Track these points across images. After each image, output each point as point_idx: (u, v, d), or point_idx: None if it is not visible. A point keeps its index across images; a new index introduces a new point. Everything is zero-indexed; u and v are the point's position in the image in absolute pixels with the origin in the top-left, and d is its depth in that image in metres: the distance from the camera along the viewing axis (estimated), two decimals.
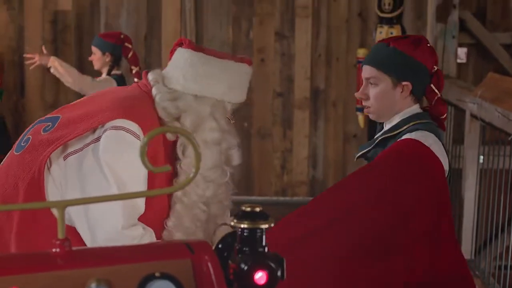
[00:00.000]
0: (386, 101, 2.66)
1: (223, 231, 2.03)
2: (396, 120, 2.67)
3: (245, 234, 1.47)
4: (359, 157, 2.79)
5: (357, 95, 2.73)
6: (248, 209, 1.45)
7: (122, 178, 2.27)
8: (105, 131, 2.30)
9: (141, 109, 2.37)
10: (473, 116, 5.01)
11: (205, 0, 6.87)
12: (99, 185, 2.26)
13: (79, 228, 2.32)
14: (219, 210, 2.50)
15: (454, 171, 5.76)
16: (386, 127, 2.72)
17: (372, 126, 6.35)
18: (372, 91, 2.67)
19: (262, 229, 1.46)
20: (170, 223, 2.41)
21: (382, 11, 6.24)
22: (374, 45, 2.80)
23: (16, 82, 6.88)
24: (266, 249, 1.46)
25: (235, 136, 2.55)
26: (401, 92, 2.65)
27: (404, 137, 2.58)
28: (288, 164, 7.03)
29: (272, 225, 1.49)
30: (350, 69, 6.86)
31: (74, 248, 1.29)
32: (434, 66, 2.70)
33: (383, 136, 2.67)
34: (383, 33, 6.15)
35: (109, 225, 2.27)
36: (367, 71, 2.69)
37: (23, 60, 6.77)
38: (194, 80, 2.42)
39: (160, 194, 1.31)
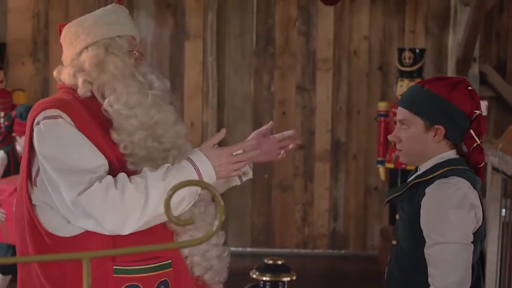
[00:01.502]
0: (417, 144, 2.62)
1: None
2: (429, 164, 2.62)
3: (267, 287, 1.47)
4: (388, 201, 2.76)
5: (390, 137, 2.70)
6: (270, 262, 1.45)
7: (55, 161, 2.38)
8: (32, 132, 2.46)
9: (55, 97, 2.55)
10: (495, 169, 5.00)
11: (227, 53, 6.96)
12: (48, 177, 2.40)
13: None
14: (179, 136, 2.55)
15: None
16: (420, 171, 2.67)
17: (394, 178, 6.35)
18: (404, 134, 2.64)
19: (284, 282, 1.46)
20: (129, 166, 2.45)
21: (402, 65, 6.29)
22: (410, 87, 2.75)
23: None
24: None
25: (148, 66, 2.61)
26: (434, 136, 2.59)
27: (436, 182, 2.53)
28: (309, 217, 7.02)
29: (294, 278, 1.49)
30: (370, 122, 6.89)
31: None
32: (475, 111, 2.60)
33: (416, 181, 2.61)
34: (403, 86, 6.19)
35: (66, 200, 2.37)
36: (400, 113, 2.65)
37: None
38: (78, 39, 2.60)
39: (190, 246, 1.33)
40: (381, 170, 6.35)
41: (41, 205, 2.46)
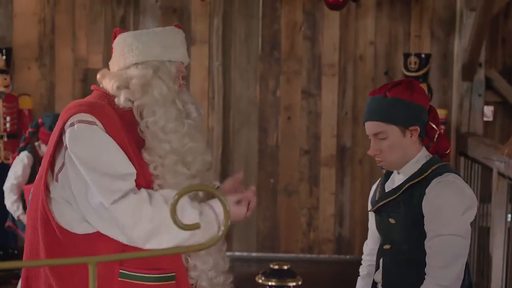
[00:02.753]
0: (398, 150, 2.72)
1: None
2: (412, 166, 2.74)
3: None
4: (378, 208, 2.82)
5: (371, 153, 2.77)
6: (276, 267, 1.46)
7: (89, 163, 2.44)
8: (65, 133, 2.50)
9: (90, 101, 2.57)
10: (500, 174, 4.99)
11: (232, 58, 6.97)
12: (74, 176, 2.46)
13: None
14: (205, 164, 2.64)
15: (482, 229, 5.72)
16: (403, 174, 2.77)
17: None
18: (383, 144, 2.72)
19: (290, 287, 1.47)
20: (155, 187, 2.53)
21: (408, 70, 6.29)
22: (370, 99, 2.80)
23: None
24: None
25: (188, 94, 2.71)
26: (410, 137, 2.71)
27: (434, 181, 2.65)
28: (315, 221, 7.02)
29: (300, 283, 1.50)
30: None
31: None
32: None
33: (409, 184, 2.71)
34: None
35: (95, 202, 2.43)
36: (372, 127, 2.74)
37: None
38: (131, 53, 2.61)
39: (205, 248, 1.33)
40: None
41: (59, 200, 2.50)
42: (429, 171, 2.70)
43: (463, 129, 6.45)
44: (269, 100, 6.98)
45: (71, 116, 2.48)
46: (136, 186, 2.47)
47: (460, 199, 2.64)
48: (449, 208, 2.62)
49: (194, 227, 1.41)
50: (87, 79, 6.97)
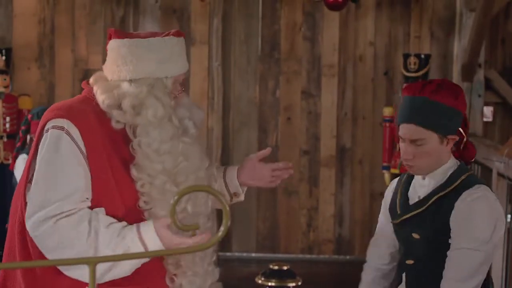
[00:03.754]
0: (433, 158, 2.57)
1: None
2: (440, 174, 2.60)
3: None
4: (403, 220, 2.66)
5: (405, 157, 2.58)
6: (276, 267, 1.45)
7: (42, 170, 2.39)
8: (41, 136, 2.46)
9: (70, 104, 2.49)
10: (500, 174, 4.99)
11: (232, 59, 6.97)
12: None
13: None
14: (197, 181, 2.51)
15: None
16: (429, 182, 2.62)
17: None
18: (419, 150, 2.56)
19: (289, 287, 1.46)
20: (141, 203, 2.44)
21: (407, 71, 6.29)
22: (409, 99, 2.59)
23: None
24: None
25: (188, 106, 2.55)
26: (447, 145, 2.58)
27: (465, 194, 2.52)
28: (314, 222, 7.01)
29: (299, 283, 1.49)
30: (376, 127, 6.88)
31: None
32: None
33: (438, 196, 2.56)
34: None
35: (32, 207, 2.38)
36: (412, 131, 2.56)
37: None
38: (125, 66, 2.47)
39: (199, 251, 1.33)
40: (386, 176, 6.34)
41: None
42: (458, 182, 2.56)
43: None
44: (269, 101, 6.98)
45: (47, 121, 2.43)
46: (113, 201, 2.39)
47: (490, 216, 2.52)
48: (478, 224, 2.50)
49: (194, 227, 1.41)
50: (87, 79, 6.95)
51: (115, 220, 2.39)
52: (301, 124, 6.98)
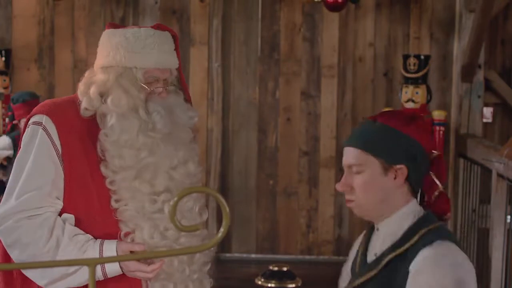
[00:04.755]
0: (376, 193, 2.11)
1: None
2: (395, 224, 2.11)
3: None
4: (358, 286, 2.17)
5: (339, 188, 2.20)
6: (276, 268, 1.45)
7: (16, 167, 2.39)
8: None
9: (57, 101, 2.51)
10: (500, 175, 4.99)
11: (232, 60, 6.97)
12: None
13: None
14: (171, 181, 2.43)
15: (482, 231, 5.72)
16: (383, 233, 2.15)
17: None
18: (357, 180, 2.14)
19: None
20: (112, 202, 2.40)
21: (407, 71, 6.29)
22: (360, 124, 2.26)
23: None
24: None
25: (156, 101, 2.45)
26: (394, 179, 2.10)
27: (421, 254, 2.01)
28: (314, 223, 7.01)
29: (299, 284, 1.49)
30: None
31: None
32: (433, 151, 2.15)
33: (392, 256, 2.08)
34: (408, 92, 6.19)
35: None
36: (348, 155, 2.16)
37: None
38: (102, 53, 2.47)
39: (195, 252, 1.33)
40: None
41: None
42: (415, 238, 2.04)
43: (462, 131, 6.44)
44: (268, 102, 6.98)
45: (31, 117, 2.45)
46: (89, 200, 2.37)
47: (452, 278, 1.98)
48: None
49: (194, 228, 1.41)
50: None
51: (81, 232, 2.36)
52: (300, 125, 6.98)
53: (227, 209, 1.33)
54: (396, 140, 2.10)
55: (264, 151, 6.91)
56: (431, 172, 2.14)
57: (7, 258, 2.44)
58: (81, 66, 6.98)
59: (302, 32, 6.97)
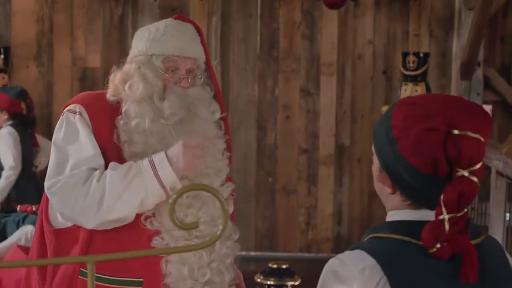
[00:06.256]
0: (376, 184, 1.97)
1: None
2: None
3: None
4: None
5: None
6: (275, 266, 1.44)
7: (55, 145, 2.44)
8: None
9: (90, 92, 2.61)
10: (499, 173, 4.99)
11: (231, 57, 6.97)
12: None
13: None
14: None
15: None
16: None
17: None
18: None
19: (288, 286, 1.46)
20: None
21: (406, 69, 6.29)
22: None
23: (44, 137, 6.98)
24: None
25: (174, 90, 2.48)
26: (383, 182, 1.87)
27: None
28: (313, 220, 7.02)
29: (298, 282, 1.48)
30: None
31: None
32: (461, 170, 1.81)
33: None
34: (407, 90, 6.19)
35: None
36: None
37: (51, 116, 6.90)
38: (132, 48, 2.58)
39: (197, 249, 1.33)
40: None
41: None
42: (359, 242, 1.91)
43: None
44: (268, 99, 6.98)
45: (65, 108, 2.52)
46: None
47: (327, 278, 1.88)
48: None
49: (193, 226, 1.41)
50: (85, 78, 6.96)
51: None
52: (300, 122, 6.98)
53: (226, 206, 1.33)
54: (387, 141, 1.90)
55: (263, 149, 6.91)
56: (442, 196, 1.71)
57: (42, 242, 2.50)
58: (79, 63, 6.97)
59: (301, 30, 6.96)
